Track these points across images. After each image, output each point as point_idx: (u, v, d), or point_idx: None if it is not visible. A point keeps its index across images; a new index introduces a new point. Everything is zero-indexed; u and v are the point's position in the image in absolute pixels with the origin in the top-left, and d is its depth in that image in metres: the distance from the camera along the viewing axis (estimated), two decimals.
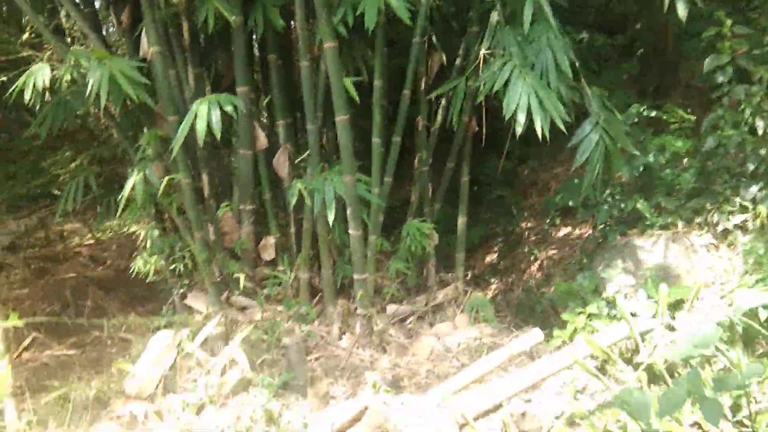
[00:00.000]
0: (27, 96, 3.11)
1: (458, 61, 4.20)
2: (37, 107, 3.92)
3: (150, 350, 3.29)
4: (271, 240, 3.92)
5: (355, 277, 3.69)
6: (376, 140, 3.81)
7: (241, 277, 3.67)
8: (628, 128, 4.29)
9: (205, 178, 3.80)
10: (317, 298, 4.04)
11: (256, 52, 4.20)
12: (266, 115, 4.25)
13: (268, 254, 3.92)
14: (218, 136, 3.08)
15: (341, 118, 3.38)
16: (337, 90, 3.33)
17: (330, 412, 2.85)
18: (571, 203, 4.96)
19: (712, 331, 1.61)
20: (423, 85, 4.14)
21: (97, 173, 4.34)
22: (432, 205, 4.41)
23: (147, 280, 3.92)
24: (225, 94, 3.23)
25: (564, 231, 5.48)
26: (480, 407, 2.35)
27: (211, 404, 2.89)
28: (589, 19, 5.99)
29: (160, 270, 3.82)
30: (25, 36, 5.46)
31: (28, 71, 3.16)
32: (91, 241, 5.86)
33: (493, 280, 5.34)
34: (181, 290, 3.87)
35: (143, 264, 3.73)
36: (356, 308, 3.79)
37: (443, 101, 4.23)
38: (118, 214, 3.43)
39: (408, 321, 4.05)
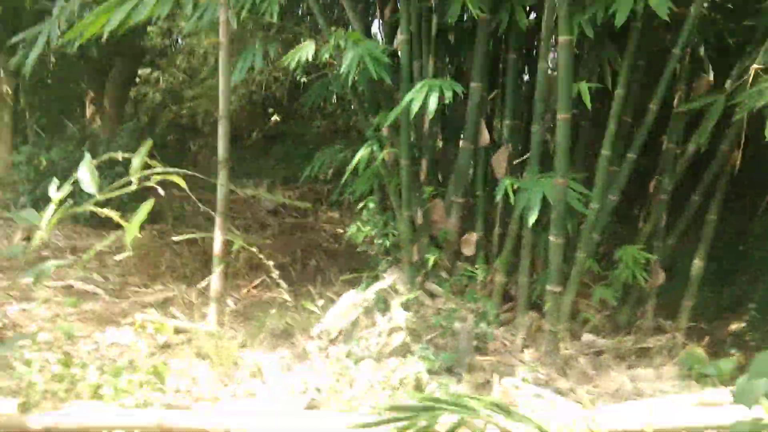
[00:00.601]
0: (292, 66, 3.66)
1: (728, 84, 3.69)
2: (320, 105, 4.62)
3: (339, 304, 3.57)
4: (474, 236, 3.91)
5: (548, 288, 3.46)
6: (605, 152, 3.56)
7: (431, 260, 3.74)
8: None
9: (425, 163, 3.98)
10: (509, 305, 3.90)
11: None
12: (495, 113, 4.28)
13: (469, 250, 3.92)
14: (430, 117, 3.22)
15: (563, 117, 3.24)
16: (564, 86, 3.21)
17: None
18: None
19: None
20: (677, 102, 3.74)
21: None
22: (665, 240, 3.92)
23: (358, 250, 4.25)
24: (449, 80, 3.37)
25: None
26: (619, 424, 2.00)
27: (371, 359, 3.01)
28: None
29: (369, 240, 4.10)
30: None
31: (297, 47, 3.71)
32: (339, 226, 6.56)
33: (732, 351, 4.46)
34: (386, 265, 4.09)
35: (356, 231, 4.05)
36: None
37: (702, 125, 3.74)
38: (342, 180, 3.80)
39: (603, 355, 3.64)
